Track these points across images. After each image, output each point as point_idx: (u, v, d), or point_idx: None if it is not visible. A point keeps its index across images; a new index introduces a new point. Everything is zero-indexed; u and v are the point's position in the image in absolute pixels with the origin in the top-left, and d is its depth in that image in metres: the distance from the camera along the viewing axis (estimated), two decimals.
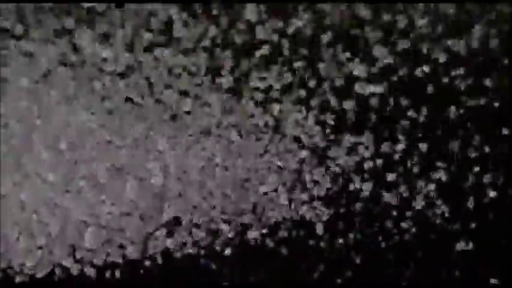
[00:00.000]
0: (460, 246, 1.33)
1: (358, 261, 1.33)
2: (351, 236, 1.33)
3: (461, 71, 1.38)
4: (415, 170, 1.35)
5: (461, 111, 1.37)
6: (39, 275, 1.27)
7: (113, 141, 1.31)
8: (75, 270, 1.28)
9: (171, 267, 1.31)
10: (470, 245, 1.33)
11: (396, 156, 1.36)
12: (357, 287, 1.32)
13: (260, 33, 1.36)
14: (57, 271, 1.28)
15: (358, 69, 1.36)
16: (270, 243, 1.32)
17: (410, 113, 1.37)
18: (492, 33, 1.39)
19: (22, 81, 1.31)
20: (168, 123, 1.33)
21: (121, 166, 1.31)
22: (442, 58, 1.38)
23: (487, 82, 1.38)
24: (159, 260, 1.30)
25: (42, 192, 1.28)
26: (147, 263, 1.30)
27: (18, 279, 1.27)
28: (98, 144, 1.31)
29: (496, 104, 1.37)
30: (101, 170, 1.30)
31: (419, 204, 1.34)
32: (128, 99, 1.33)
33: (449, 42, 1.38)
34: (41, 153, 1.29)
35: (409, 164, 1.36)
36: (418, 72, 1.38)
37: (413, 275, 1.33)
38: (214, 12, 1.36)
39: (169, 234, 1.31)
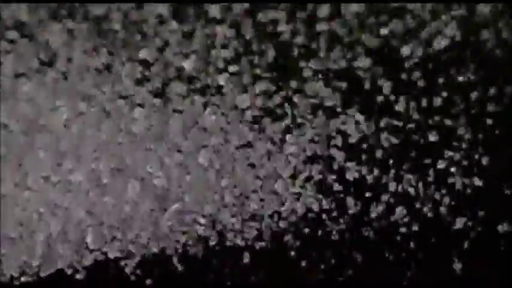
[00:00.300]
0: (462, 244, 1.34)
1: (359, 259, 1.33)
2: (353, 234, 1.34)
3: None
4: (415, 167, 1.36)
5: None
6: (43, 274, 1.28)
7: (115, 141, 1.31)
8: (78, 268, 1.29)
9: (174, 266, 1.32)
10: (472, 244, 1.34)
11: (396, 154, 1.36)
12: (359, 286, 1.33)
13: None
14: (61, 270, 1.29)
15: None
16: (271, 242, 1.33)
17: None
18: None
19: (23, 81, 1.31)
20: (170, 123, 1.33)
21: (123, 166, 1.31)
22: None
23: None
24: (163, 259, 1.31)
25: (44, 192, 1.29)
26: (150, 261, 1.31)
27: (23, 279, 1.28)
28: (99, 144, 1.31)
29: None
30: (103, 170, 1.30)
31: (419, 203, 1.35)
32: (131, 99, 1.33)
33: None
34: (43, 153, 1.30)
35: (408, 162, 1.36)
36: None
37: (414, 274, 1.33)
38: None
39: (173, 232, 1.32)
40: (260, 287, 1.31)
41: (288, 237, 1.33)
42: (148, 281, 1.30)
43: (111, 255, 1.30)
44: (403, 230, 1.34)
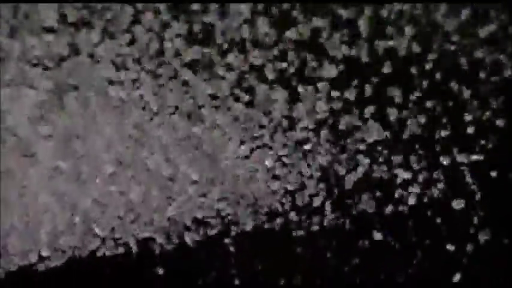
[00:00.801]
0: (468, 233, 1.36)
1: (365, 248, 1.34)
2: (358, 223, 1.35)
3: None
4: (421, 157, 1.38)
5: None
6: (50, 264, 1.28)
7: (120, 132, 1.32)
8: (85, 258, 1.29)
9: (179, 256, 1.32)
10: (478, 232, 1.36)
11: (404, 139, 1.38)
12: (364, 275, 1.34)
13: None
14: (68, 260, 1.28)
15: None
16: (276, 232, 1.34)
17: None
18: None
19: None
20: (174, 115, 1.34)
21: (129, 158, 1.31)
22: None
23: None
24: (168, 248, 1.31)
25: (52, 182, 1.29)
26: (156, 251, 1.31)
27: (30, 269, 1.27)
28: (105, 136, 1.31)
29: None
30: (109, 160, 1.31)
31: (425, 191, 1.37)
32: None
33: None
34: (51, 143, 1.30)
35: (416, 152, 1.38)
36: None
37: (419, 263, 1.34)
38: None
39: (178, 223, 1.32)
40: (267, 275, 1.32)
41: (292, 227, 1.34)
42: (155, 268, 1.30)
43: (117, 245, 1.30)
44: (408, 218, 1.36)
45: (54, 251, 1.28)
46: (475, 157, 1.37)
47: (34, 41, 1.30)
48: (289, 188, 1.35)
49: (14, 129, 1.28)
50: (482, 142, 1.37)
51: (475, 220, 1.36)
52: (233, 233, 1.33)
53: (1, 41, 1.29)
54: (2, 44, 1.28)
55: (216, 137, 1.34)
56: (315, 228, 1.34)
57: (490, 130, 1.37)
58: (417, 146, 1.37)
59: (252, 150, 1.34)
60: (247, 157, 1.34)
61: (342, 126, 1.36)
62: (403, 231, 1.35)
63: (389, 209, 1.36)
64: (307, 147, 1.36)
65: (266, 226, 1.33)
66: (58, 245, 1.28)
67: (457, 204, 1.35)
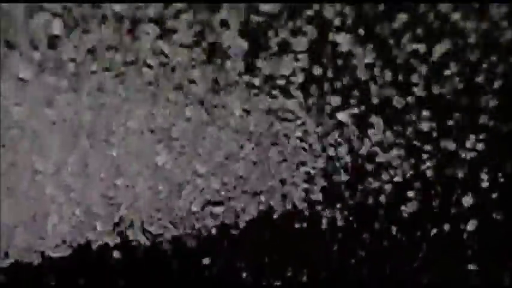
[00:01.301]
0: (472, 227, 1.36)
1: (370, 242, 1.34)
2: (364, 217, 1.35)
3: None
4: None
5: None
6: (55, 256, 1.28)
7: (127, 126, 1.33)
8: (91, 252, 1.29)
9: (183, 249, 1.32)
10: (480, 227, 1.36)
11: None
12: (370, 268, 1.34)
13: None
14: (73, 253, 1.29)
15: None
16: (282, 223, 1.34)
17: None
18: None
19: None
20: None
21: (136, 150, 1.32)
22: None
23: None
24: (174, 242, 1.32)
25: (57, 175, 1.29)
26: (162, 244, 1.31)
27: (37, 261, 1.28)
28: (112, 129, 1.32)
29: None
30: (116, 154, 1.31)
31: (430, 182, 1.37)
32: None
33: None
34: (57, 136, 1.30)
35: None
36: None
37: (425, 256, 1.34)
38: None
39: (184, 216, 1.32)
40: (272, 268, 1.32)
41: (299, 220, 1.34)
42: (161, 261, 1.31)
43: (123, 238, 1.30)
44: (412, 210, 1.36)
45: (60, 244, 1.28)
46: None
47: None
48: (295, 180, 1.36)
49: (19, 122, 1.29)
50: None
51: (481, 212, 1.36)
52: (240, 226, 1.33)
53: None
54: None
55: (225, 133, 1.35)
56: (321, 221, 1.34)
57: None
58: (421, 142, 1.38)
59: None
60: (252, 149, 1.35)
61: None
62: (407, 224, 1.35)
63: (394, 202, 1.36)
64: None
65: (272, 219, 1.34)
66: (64, 237, 1.28)
67: (466, 201, 1.36)
